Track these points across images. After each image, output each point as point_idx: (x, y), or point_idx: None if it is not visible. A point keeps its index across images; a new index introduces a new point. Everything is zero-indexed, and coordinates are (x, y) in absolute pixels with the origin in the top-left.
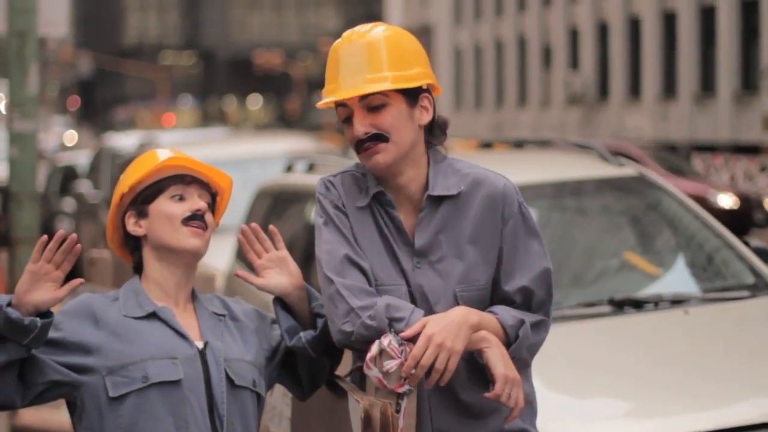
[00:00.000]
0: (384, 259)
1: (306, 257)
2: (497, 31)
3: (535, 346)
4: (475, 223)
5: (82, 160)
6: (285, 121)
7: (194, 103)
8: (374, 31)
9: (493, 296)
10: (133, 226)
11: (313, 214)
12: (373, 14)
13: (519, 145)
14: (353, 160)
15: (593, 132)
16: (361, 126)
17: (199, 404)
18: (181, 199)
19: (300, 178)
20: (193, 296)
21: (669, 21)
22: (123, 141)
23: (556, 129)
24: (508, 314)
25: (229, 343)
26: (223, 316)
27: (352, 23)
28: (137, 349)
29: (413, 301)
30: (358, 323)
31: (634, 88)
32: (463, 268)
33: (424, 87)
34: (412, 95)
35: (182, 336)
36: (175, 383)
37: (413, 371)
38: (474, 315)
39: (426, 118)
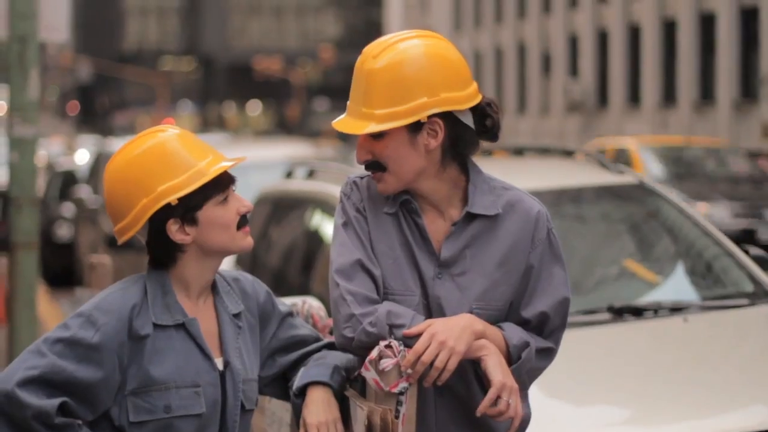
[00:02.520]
0: (401, 266)
1: (305, 264)
2: (497, 38)
3: (537, 372)
4: (506, 246)
5: (81, 164)
6: (284, 127)
7: (194, 109)
8: (388, 55)
9: (507, 318)
10: (179, 234)
11: (335, 212)
12: (373, 21)
13: (518, 152)
14: (353, 166)
15: (593, 139)
16: (361, 153)
17: (211, 431)
18: (225, 200)
19: (300, 185)
20: (213, 288)
21: (669, 28)
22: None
23: (556, 136)
24: (515, 333)
25: (244, 359)
26: (240, 314)
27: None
28: (163, 371)
29: (429, 312)
30: (359, 329)
31: (634, 96)
32: (485, 287)
33: (423, 120)
34: (414, 123)
35: (206, 355)
36: (197, 415)
37: (410, 371)
38: (479, 323)
39: (434, 143)
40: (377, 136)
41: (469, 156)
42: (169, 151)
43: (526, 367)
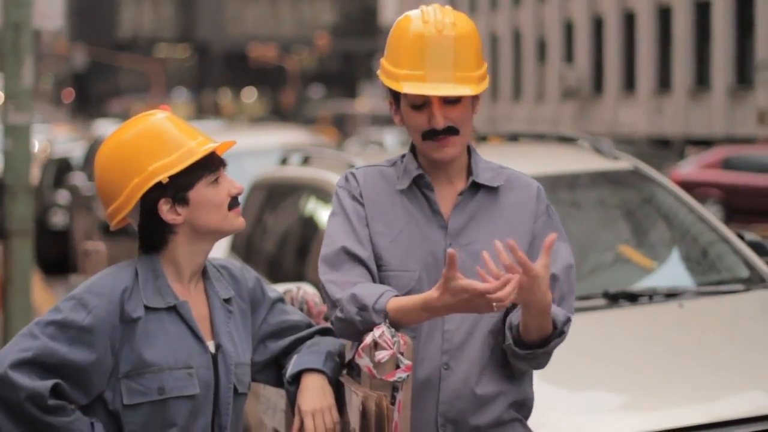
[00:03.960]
0: (408, 242)
1: (300, 250)
2: (492, 24)
3: (554, 348)
4: (509, 216)
5: (76, 152)
6: (279, 115)
7: (189, 96)
8: (461, 23)
9: None
10: (170, 214)
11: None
12: (369, 8)
13: (514, 138)
14: (347, 154)
15: (588, 126)
16: (442, 119)
17: (205, 414)
18: (216, 181)
19: (295, 171)
20: (204, 273)
21: (664, 15)
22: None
23: (551, 123)
24: (560, 311)
25: (235, 343)
26: (230, 300)
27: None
28: (156, 354)
29: (434, 284)
30: (334, 318)
31: (629, 83)
32: (491, 255)
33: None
34: None
35: (197, 337)
36: (190, 396)
37: (407, 361)
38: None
39: (478, 109)
40: (454, 102)
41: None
42: (159, 132)
43: (560, 343)
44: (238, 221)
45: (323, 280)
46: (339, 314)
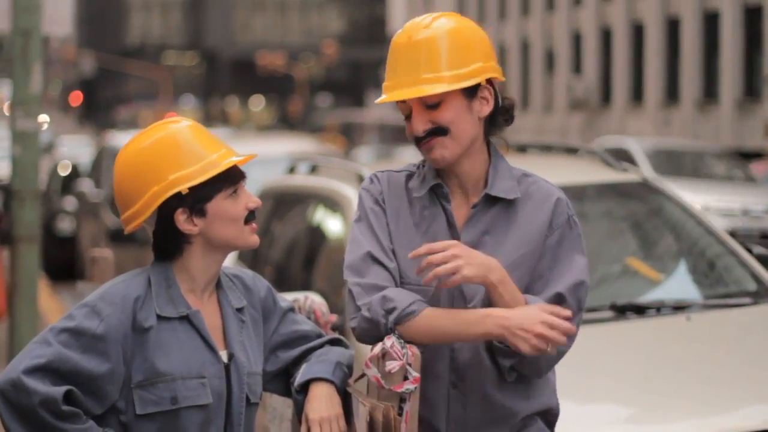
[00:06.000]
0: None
1: (308, 260)
2: (501, 35)
3: (556, 359)
4: (524, 230)
5: (83, 158)
6: (287, 123)
7: (196, 104)
8: (436, 24)
9: None
10: (187, 225)
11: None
12: (377, 17)
13: (522, 149)
14: (356, 162)
15: (595, 137)
16: (420, 124)
17: (217, 424)
18: (234, 192)
19: (302, 180)
20: (217, 283)
21: (672, 27)
22: (125, 140)
23: (559, 133)
24: (537, 298)
25: (248, 352)
26: (243, 309)
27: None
28: (168, 363)
29: (450, 298)
30: (359, 317)
31: (637, 94)
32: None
33: (483, 83)
34: (470, 88)
35: (210, 347)
36: (203, 406)
37: (415, 374)
38: (501, 271)
39: (486, 109)
40: (435, 105)
41: (497, 134)
42: (181, 142)
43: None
44: (252, 238)
45: (349, 284)
46: (366, 314)
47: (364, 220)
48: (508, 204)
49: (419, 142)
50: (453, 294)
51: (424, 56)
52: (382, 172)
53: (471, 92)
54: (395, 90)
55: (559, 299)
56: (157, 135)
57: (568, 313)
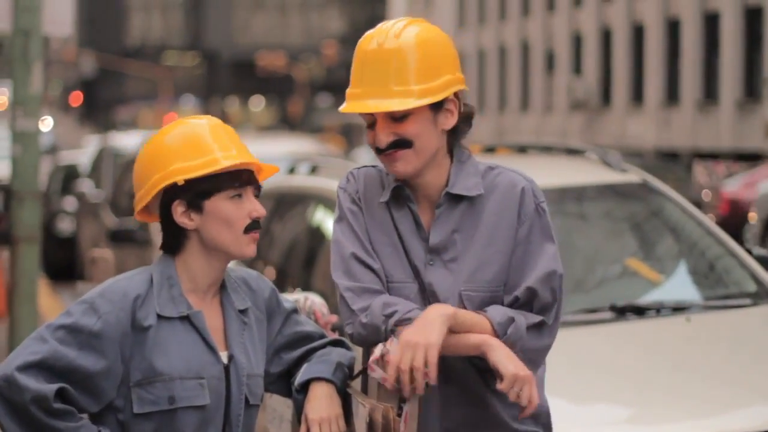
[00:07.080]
0: (397, 255)
1: (308, 260)
2: (501, 36)
3: (535, 352)
4: (491, 224)
5: (83, 159)
6: (287, 123)
7: (196, 104)
8: (406, 34)
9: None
10: (183, 218)
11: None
12: (377, 17)
13: (522, 150)
14: (356, 163)
15: (595, 138)
16: (384, 136)
17: (215, 425)
18: (239, 196)
19: (302, 181)
20: (222, 286)
21: (672, 28)
22: (125, 140)
23: (559, 134)
24: (498, 311)
25: (249, 354)
26: (246, 310)
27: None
28: (167, 363)
29: (425, 299)
30: (356, 323)
31: (637, 95)
32: (473, 268)
33: (450, 97)
34: (437, 102)
35: (210, 348)
36: (200, 407)
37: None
38: (446, 308)
39: (451, 122)
40: (401, 118)
41: (460, 140)
42: (193, 136)
43: (518, 345)
44: (248, 249)
45: (341, 288)
46: (364, 319)
47: (344, 220)
48: (473, 200)
49: (381, 152)
50: (428, 297)
51: (394, 68)
52: (359, 168)
53: (437, 105)
54: (362, 99)
55: (530, 293)
56: (177, 128)
57: None
